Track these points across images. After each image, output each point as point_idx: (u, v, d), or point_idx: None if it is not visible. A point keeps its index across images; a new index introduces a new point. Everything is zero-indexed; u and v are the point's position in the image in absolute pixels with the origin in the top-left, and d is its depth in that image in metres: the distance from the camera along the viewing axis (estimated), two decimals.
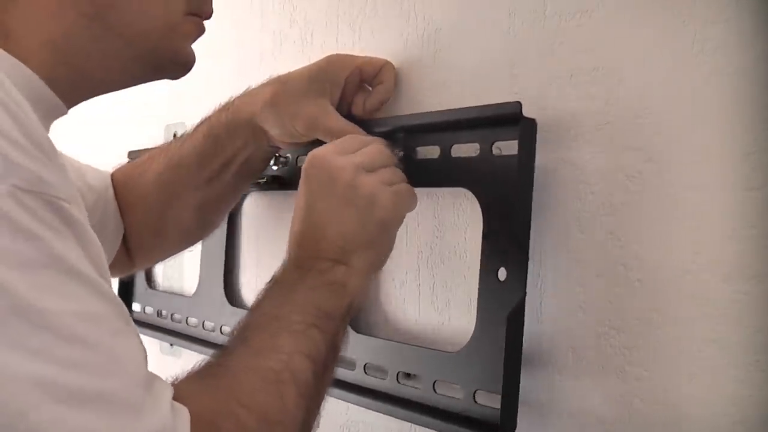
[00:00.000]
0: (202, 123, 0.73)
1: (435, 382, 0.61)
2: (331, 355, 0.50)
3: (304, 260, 0.53)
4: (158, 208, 0.75)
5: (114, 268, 0.75)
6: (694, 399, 0.49)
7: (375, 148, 0.57)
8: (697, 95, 0.49)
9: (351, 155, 0.55)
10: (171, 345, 1.01)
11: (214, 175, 0.72)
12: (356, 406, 0.73)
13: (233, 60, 0.93)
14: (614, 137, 0.53)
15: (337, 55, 0.68)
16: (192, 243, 0.81)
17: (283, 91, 0.66)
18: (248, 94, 0.70)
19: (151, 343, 0.98)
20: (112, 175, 0.78)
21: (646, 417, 0.51)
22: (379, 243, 0.55)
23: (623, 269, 0.53)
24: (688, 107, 0.49)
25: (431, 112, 0.63)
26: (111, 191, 0.76)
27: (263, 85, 0.69)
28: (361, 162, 0.55)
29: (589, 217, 0.55)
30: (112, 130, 1.22)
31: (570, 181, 0.56)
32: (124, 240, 0.77)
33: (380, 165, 0.56)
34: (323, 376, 0.49)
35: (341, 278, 0.52)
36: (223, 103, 0.72)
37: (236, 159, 0.72)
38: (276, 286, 0.53)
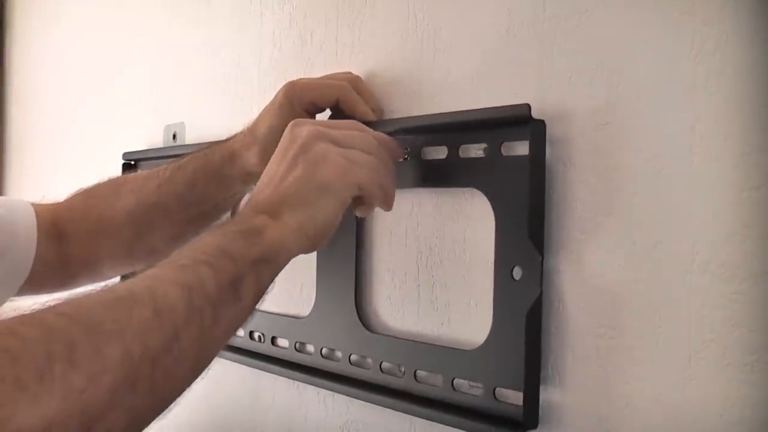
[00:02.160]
0: (183, 165, 0.73)
1: (453, 379, 0.61)
2: (224, 294, 0.48)
3: (244, 213, 0.54)
4: (128, 240, 0.75)
5: (47, 286, 0.75)
6: (693, 399, 0.49)
7: (360, 134, 0.57)
8: (697, 95, 0.49)
9: (327, 129, 0.55)
10: None
11: (198, 215, 0.72)
12: (356, 406, 0.73)
13: (233, 60, 0.93)
14: (614, 137, 0.53)
15: (294, 90, 0.68)
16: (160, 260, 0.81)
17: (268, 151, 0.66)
18: (232, 151, 0.70)
19: None
20: (65, 204, 0.77)
21: (646, 417, 0.51)
22: (315, 206, 0.53)
23: (622, 269, 0.53)
24: (688, 107, 0.49)
25: (440, 113, 0.63)
26: (20, 221, 0.73)
27: (247, 146, 0.69)
28: (333, 135, 0.55)
29: (588, 217, 0.55)
30: (112, 131, 1.22)
31: (569, 182, 0.56)
32: (68, 262, 0.75)
33: (354, 146, 0.55)
34: (205, 309, 0.47)
35: (259, 226, 0.52)
36: (205, 149, 0.73)
37: (226, 204, 0.73)
38: (207, 231, 0.53)
